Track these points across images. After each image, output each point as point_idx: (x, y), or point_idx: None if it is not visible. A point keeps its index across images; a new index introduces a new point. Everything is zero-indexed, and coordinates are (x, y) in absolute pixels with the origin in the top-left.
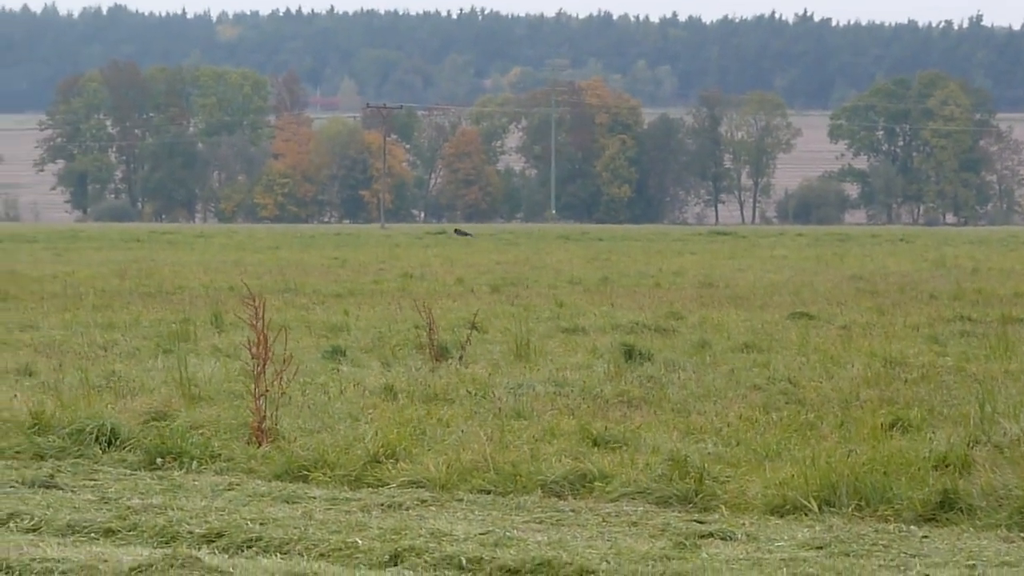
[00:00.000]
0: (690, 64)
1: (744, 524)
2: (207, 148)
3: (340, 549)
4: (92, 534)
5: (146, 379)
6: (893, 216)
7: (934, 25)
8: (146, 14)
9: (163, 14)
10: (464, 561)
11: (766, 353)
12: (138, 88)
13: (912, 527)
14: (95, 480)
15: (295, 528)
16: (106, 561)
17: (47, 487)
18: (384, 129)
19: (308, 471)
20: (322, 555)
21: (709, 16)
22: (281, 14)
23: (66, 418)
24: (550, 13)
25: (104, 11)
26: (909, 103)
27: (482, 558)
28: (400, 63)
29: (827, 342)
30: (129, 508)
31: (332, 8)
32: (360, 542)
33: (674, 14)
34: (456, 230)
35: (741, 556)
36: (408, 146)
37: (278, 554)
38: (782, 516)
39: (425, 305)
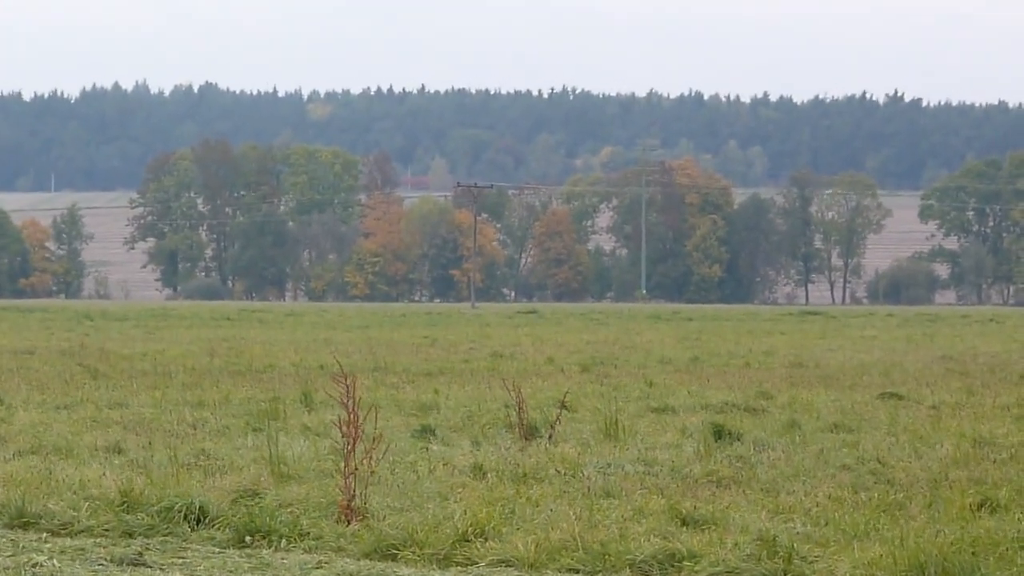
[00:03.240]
0: (781, 144)
1: None
2: (298, 227)
3: None
4: None
5: (235, 457)
6: (983, 296)
7: None
8: (237, 92)
9: (254, 92)
10: None
11: (855, 433)
12: (229, 166)
13: None
14: (184, 558)
15: None
16: None
17: (136, 565)
18: (475, 208)
19: (397, 550)
20: None
21: (800, 96)
22: (372, 93)
23: (155, 496)
24: (641, 93)
25: (195, 89)
26: (1000, 183)
27: None
28: (491, 142)
29: (916, 422)
30: None
31: (423, 87)
32: None
33: (765, 94)
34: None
35: None
36: (499, 225)
37: None
38: None
39: (515, 384)
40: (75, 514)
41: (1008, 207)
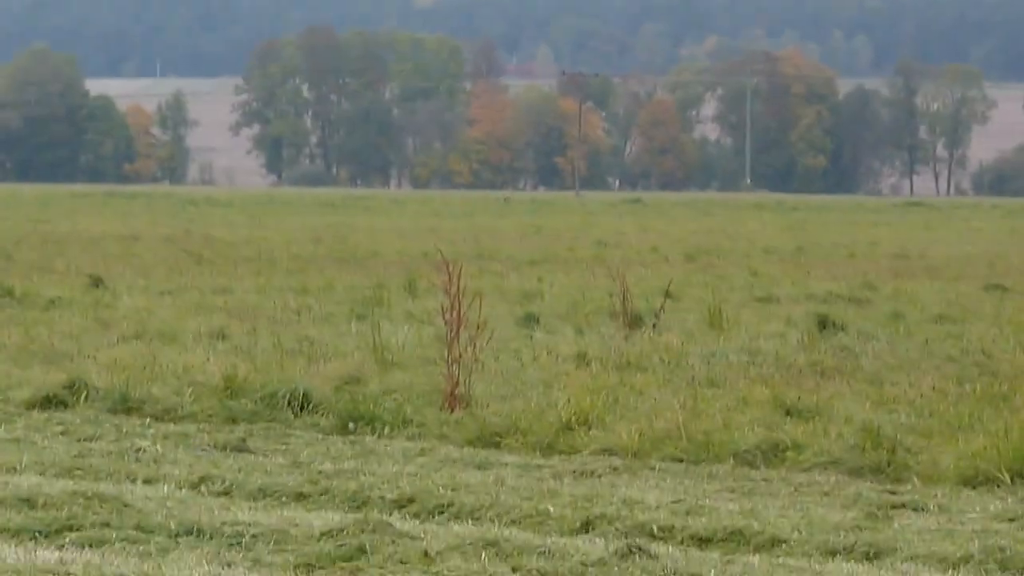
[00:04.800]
0: (887, 35)
1: (936, 496)
2: (403, 114)
3: (532, 516)
4: (283, 498)
5: (339, 344)
6: None
7: None
8: None
9: None
10: (655, 529)
11: (960, 325)
12: (334, 53)
13: None
14: (287, 444)
15: (487, 494)
16: (297, 525)
17: (239, 451)
18: (580, 97)
19: (500, 437)
20: (513, 521)
21: None
22: None
23: (259, 382)
24: None
25: None
26: None
27: (674, 526)
28: (596, 31)
29: (1021, 314)
30: (321, 473)
31: None
32: (552, 509)
33: None
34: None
35: (933, 527)
36: (604, 114)
37: (470, 520)
38: (974, 488)
39: (619, 272)
40: (179, 400)
41: None
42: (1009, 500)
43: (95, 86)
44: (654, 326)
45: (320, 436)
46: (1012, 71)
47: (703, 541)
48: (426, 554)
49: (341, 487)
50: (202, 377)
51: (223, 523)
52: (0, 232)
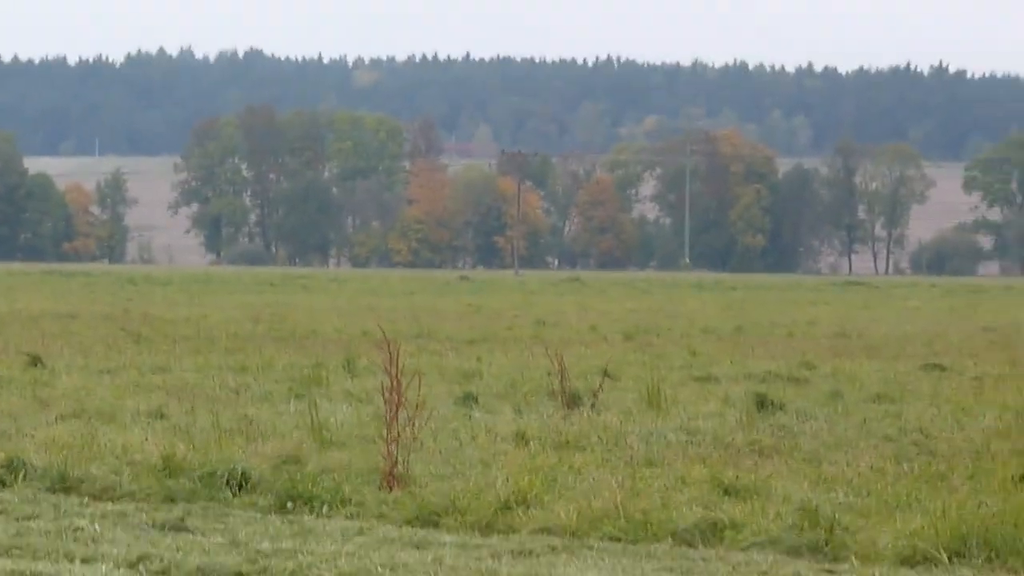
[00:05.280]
0: (825, 115)
1: (874, 574)
2: (342, 193)
3: None
4: None
5: (278, 423)
6: None
7: None
8: (282, 59)
9: (299, 59)
10: None
11: (898, 404)
12: (274, 132)
13: None
14: (225, 523)
15: (425, 574)
16: None
17: (178, 530)
18: (519, 176)
19: (439, 517)
20: None
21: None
22: (417, 60)
23: (197, 461)
24: (686, 62)
25: (240, 55)
26: None
27: None
28: (535, 111)
29: (959, 393)
30: (259, 552)
31: (468, 55)
32: None
33: (810, 64)
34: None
35: None
36: (543, 193)
37: None
38: (912, 567)
39: (557, 352)
40: (117, 479)
41: None
42: None
43: (34, 164)
44: (592, 405)
45: (259, 515)
46: (950, 150)
47: None
48: None
49: (280, 566)
50: (140, 456)
51: None
52: None
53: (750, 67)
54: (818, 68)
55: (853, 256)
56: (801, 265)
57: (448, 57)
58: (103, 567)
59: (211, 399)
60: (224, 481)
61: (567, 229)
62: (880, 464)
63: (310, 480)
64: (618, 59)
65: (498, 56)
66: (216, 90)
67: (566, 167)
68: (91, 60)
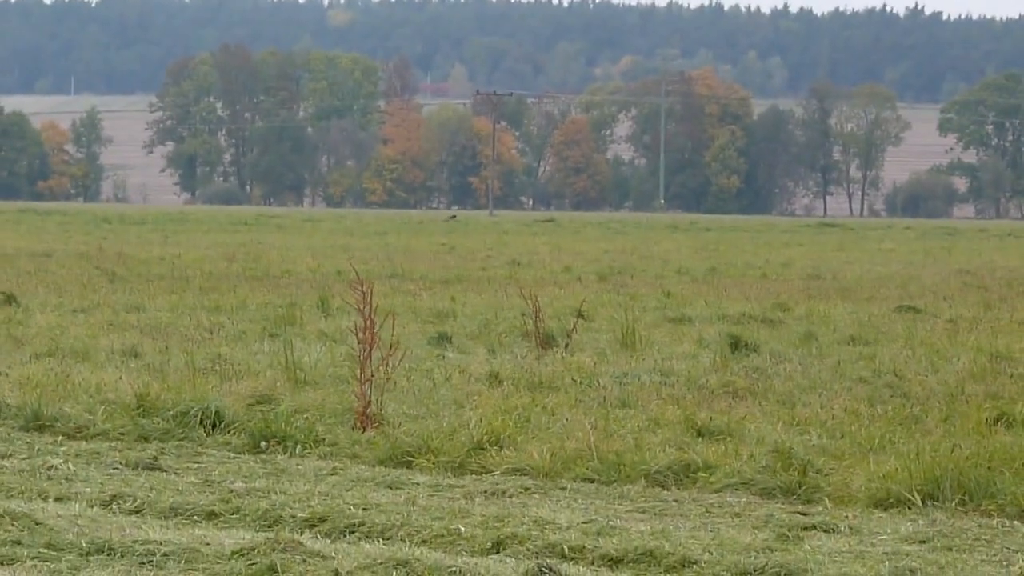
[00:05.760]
0: (801, 56)
1: (847, 517)
2: (317, 133)
3: (442, 536)
4: (195, 517)
5: (252, 362)
6: (1002, 211)
7: None
8: None
9: None
10: (566, 549)
11: (872, 346)
12: (249, 72)
13: (1016, 522)
14: (199, 463)
15: (398, 514)
16: (208, 544)
17: (151, 469)
18: (494, 116)
19: (412, 457)
20: (424, 541)
21: (820, 8)
22: (392, 0)
23: (171, 400)
24: (662, 3)
25: None
26: (1019, 98)
27: (584, 547)
28: (511, 51)
29: (933, 336)
30: (232, 491)
31: None
32: (463, 529)
33: (785, 6)
34: (451, 217)
35: (844, 549)
36: (517, 134)
37: (380, 539)
38: (885, 509)
39: (531, 293)
40: (91, 417)
41: None
42: (920, 522)
43: (9, 103)
44: (566, 346)
45: (232, 455)
46: (926, 92)
47: (614, 562)
48: (337, 573)
49: (252, 506)
50: (114, 395)
51: (134, 541)
52: None
53: (725, 8)
54: (793, 9)
55: (828, 198)
56: (776, 207)
57: None
58: (77, 506)
59: (185, 338)
60: (197, 420)
61: (542, 170)
62: (854, 406)
63: (283, 420)
64: None
65: None
66: (191, 29)
67: (541, 107)
68: None
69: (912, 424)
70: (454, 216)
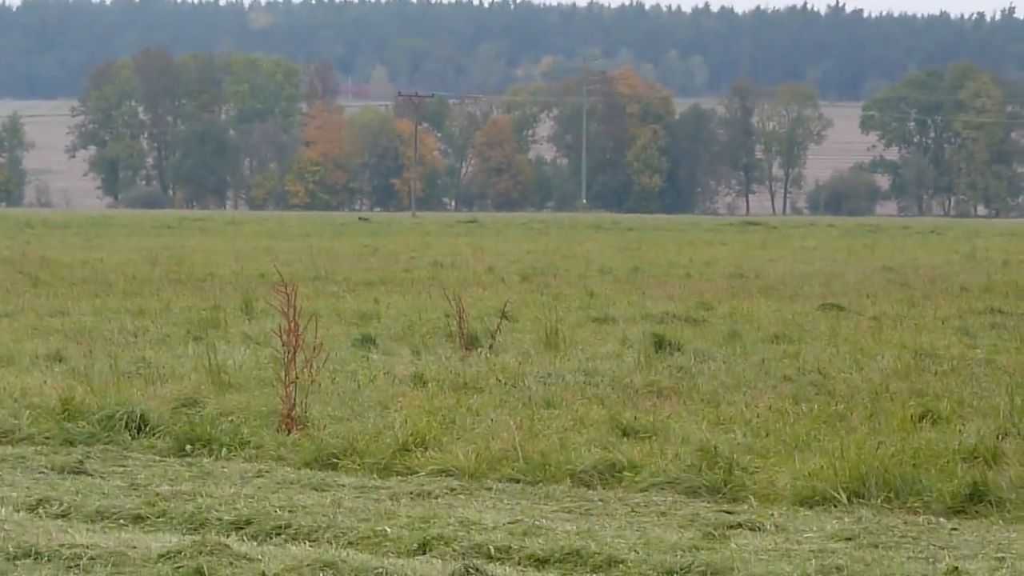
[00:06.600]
0: (722, 55)
1: (773, 515)
2: (238, 135)
3: (369, 537)
4: (121, 520)
5: (176, 366)
6: (924, 208)
7: (966, 17)
8: (179, 1)
9: (196, 1)
10: (493, 550)
11: (796, 344)
12: (170, 75)
13: (941, 519)
14: (124, 466)
15: (324, 516)
16: (135, 547)
17: (76, 473)
18: (416, 118)
19: (337, 459)
20: (351, 543)
21: (741, 7)
22: (313, 2)
23: (96, 404)
24: (582, 3)
25: None
26: (941, 95)
27: (511, 547)
28: (432, 52)
29: (857, 333)
30: (158, 495)
31: None
32: (389, 530)
33: (706, 4)
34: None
35: (770, 547)
36: (440, 135)
37: (307, 541)
38: (811, 507)
39: (455, 294)
40: (16, 422)
41: (949, 118)
42: (846, 519)
43: None
44: (490, 347)
45: (157, 458)
46: (847, 90)
47: (540, 562)
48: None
49: (179, 509)
50: (39, 399)
51: (61, 546)
52: None
53: (646, 7)
54: (715, 8)
55: (750, 196)
56: (698, 206)
57: None
58: (3, 510)
59: (109, 342)
60: (123, 424)
61: (464, 170)
62: (779, 404)
63: (208, 423)
64: (514, 0)
65: None
66: (113, 33)
67: (463, 108)
68: None
69: (837, 422)
70: (366, 219)
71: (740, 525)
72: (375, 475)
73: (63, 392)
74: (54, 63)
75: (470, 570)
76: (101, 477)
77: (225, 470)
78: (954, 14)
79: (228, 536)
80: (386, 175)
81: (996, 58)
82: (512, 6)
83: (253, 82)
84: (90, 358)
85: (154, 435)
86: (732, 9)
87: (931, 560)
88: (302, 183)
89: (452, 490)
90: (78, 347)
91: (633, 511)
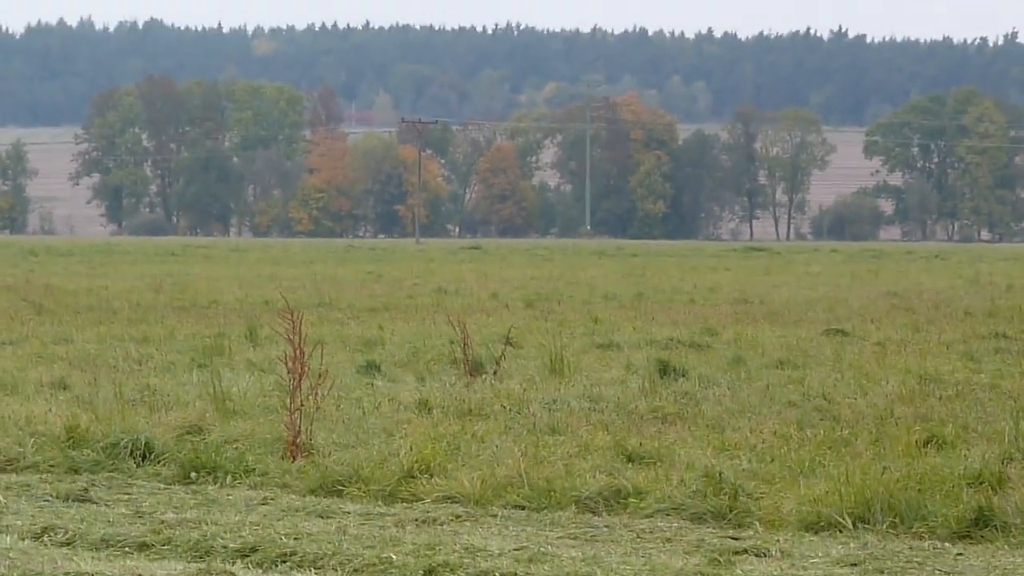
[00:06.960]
0: (725, 80)
1: (778, 541)
2: (242, 162)
3: (374, 564)
4: (126, 548)
5: (181, 393)
6: (928, 233)
7: (969, 42)
8: (182, 28)
9: (199, 28)
10: None
11: (801, 369)
12: (174, 102)
13: (947, 544)
14: (129, 494)
15: (329, 543)
16: (140, 575)
17: (81, 501)
18: (419, 144)
19: (342, 486)
20: (356, 570)
21: (745, 32)
22: (317, 29)
23: (100, 432)
24: (586, 29)
25: (140, 25)
26: (944, 120)
27: (516, 574)
28: (435, 78)
29: (862, 359)
30: (163, 522)
31: (368, 23)
32: (394, 557)
33: (709, 30)
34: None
35: (775, 573)
36: (443, 161)
37: (312, 569)
38: (816, 533)
39: (459, 320)
40: (21, 450)
41: (952, 143)
42: (851, 545)
43: None
44: (495, 373)
45: (162, 486)
46: (850, 116)
47: None
48: None
49: (184, 537)
50: (44, 427)
51: (66, 574)
52: None
53: (649, 33)
54: (718, 34)
55: (754, 222)
56: (702, 231)
57: (347, 25)
58: (7, 539)
59: (114, 370)
60: (128, 452)
61: (468, 197)
62: (783, 430)
63: (213, 450)
64: (517, 26)
65: (397, 24)
66: (116, 60)
67: (466, 135)
68: None
69: (842, 447)
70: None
71: (746, 551)
72: (380, 502)
73: (68, 420)
74: (57, 90)
75: None
76: (106, 505)
77: (230, 497)
78: (957, 39)
79: (233, 564)
80: (390, 201)
81: (999, 83)
82: (515, 32)
83: (257, 109)
84: (94, 386)
85: (159, 463)
86: (735, 35)
87: None
88: (306, 210)
89: (457, 517)
90: (82, 375)
91: (638, 537)
